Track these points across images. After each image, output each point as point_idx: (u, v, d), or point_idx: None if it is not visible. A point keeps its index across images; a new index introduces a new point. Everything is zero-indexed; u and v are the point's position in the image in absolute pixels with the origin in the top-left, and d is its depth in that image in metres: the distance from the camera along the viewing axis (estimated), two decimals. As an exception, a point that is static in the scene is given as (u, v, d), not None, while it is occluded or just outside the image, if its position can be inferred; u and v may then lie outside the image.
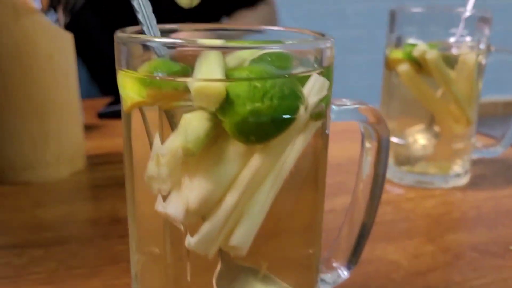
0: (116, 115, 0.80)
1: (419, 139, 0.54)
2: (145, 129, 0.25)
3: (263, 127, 0.22)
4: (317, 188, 0.27)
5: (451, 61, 0.51)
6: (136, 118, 0.25)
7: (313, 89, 0.23)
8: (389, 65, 0.54)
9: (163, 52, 0.25)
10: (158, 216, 0.24)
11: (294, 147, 0.24)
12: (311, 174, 0.26)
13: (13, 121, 0.53)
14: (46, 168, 0.55)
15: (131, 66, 0.24)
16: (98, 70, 1.08)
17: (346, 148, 0.58)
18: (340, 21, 2.07)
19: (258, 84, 0.22)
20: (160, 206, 0.24)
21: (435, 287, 0.36)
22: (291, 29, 0.28)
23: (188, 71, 0.24)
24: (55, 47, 0.54)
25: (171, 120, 0.23)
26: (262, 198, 0.24)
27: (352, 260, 0.32)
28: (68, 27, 0.57)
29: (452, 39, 0.51)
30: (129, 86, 0.23)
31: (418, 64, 0.52)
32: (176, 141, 0.22)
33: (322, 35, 0.25)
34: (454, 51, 0.52)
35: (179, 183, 0.23)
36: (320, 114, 0.24)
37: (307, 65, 0.25)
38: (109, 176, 0.57)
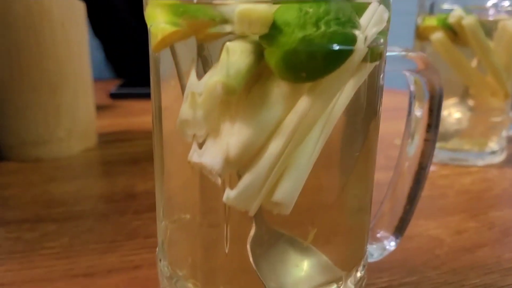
0: (128, 96, 0.77)
1: (453, 113, 0.51)
2: (176, 72, 0.22)
3: (315, 60, 0.19)
4: (369, 143, 0.24)
5: (489, 28, 0.48)
6: (165, 60, 0.22)
7: (372, 19, 0.20)
8: (421, 35, 0.51)
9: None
10: (190, 172, 0.21)
11: (346, 89, 0.21)
12: (363, 123, 0.23)
13: (25, 94, 0.50)
14: (58, 143, 0.52)
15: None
16: (114, 51, 1.05)
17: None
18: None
19: (310, 8, 0.19)
20: (194, 156, 0.21)
21: (485, 263, 0.33)
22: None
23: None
24: (68, 15, 0.51)
25: (208, 56, 0.20)
26: (310, 146, 0.20)
27: (400, 229, 0.29)
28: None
29: (490, 3, 0.48)
30: (160, 16, 0.20)
31: (454, 32, 0.48)
32: (215, 76, 0.19)
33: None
34: (492, 17, 0.48)
35: (217, 128, 0.20)
36: (377, 51, 0.21)
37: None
38: (121, 153, 0.54)
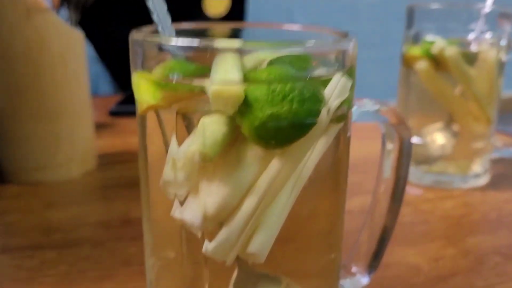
0: (128, 113, 0.79)
1: (438, 138, 0.53)
2: (160, 132, 0.24)
3: (282, 132, 0.21)
4: (338, 192, 0.26)
5: (470, 59, 0.50)
6: (151, 120, 0.25)
7: (335, 91, 0.22)
8: (406, 63, 0.53)
9: (179, 53, 0.24)
10: (174, 221, 0.24)
11: (314, 150, 0.23)
12: (331, 178, 0.25)
13: (25, 122, 0.53)
14: (58, 169, 0.55)
15: (146, 67, 0.23)
16: (114, 66, 1.07)
17: (361, 148, 0.57)
18: (352, 15, 2.06)
19: (277, 87, 0.21)
20: (176, 212, 0.23)
21: (457, 292, 0.35)
22: (310, 28, 0.27)
23: (205, 72, 0.23)
24: (67, 46, 0.53)
25: (187, 123, 0.23)
26: (281, 203, 0.23)
27: (373, 264, 0.31)
28: (82, 23, 0.56)
29: (471, 36, 0.50)
30: (144, 89, 0.23)
31: (437, 62, 0.50)
32: (192, 146, 0.21)
33: (344, 35, 0.24)
34: (473, 48, 0.50)
35: (196, 188, 0.22)
36: (342, 116, 0.23)
37: (328, 65, 0.24)
38: (120, 176, 0.56)
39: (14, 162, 0.54)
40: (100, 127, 0.71)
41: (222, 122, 0.21)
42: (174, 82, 0.22)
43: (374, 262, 0.31)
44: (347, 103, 0.23)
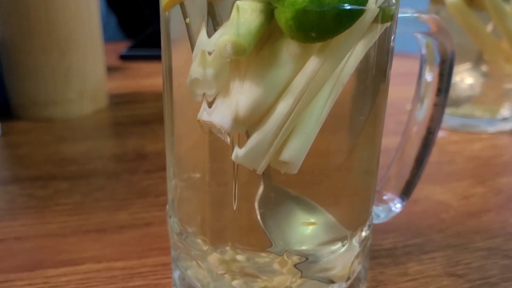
0: (138, 57, 0.77)
1: (466, 79, 0.50)
2: (186, 31, 0.21)
3: (325, 20, 0.19)
4: (378, 108, 0.24)
5: (506, -8, 0.47)
6: (176, 19, 0.22)
7: (384, -21, 0.20)
8: (436, -3, 0.50)
9: None
10: (200, 132, 0.22)
11: (355, 51, 0.21)
12: (372, 89, 0.23)
13: (35, 53, 0.50)
14: (69, 104, 0.53)
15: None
16: (124, 14, 1.04)
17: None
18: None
19: (322, -34, 0.18)
20: (204, 114, 0.21)
21: (489, 228, 0.33)
22: None
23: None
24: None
25: (216, 13, 0.20)
26: (319, 107, 0.21)
27: (406, 192, 0.29)
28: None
29: (509, -33, 0.46)
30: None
31: (469, -5, 0.47)
32: (225, 35, 0.19)
33: None
34: (510, -20, 0.47)
35: (227, 87, 0.20)
36: (389, 11, 0.21)
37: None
38: (132, 115, 0.55)
39: (24, 96, 0.52)
40: (111, 70, 0.69)
41: (258, 9, 0.19)
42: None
43: (407, 189, 0.29)
44: (395, -5, 0.21)
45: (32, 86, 0.52)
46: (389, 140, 0.43)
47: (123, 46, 0.82)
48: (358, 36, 0.20)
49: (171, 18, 0.23)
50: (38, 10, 0.49)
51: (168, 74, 0.24)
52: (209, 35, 0.20)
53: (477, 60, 0.50)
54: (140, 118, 0.53)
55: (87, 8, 0.53)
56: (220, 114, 0.20)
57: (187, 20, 0.22)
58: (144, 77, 0.70)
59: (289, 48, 0.20)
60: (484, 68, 0.50)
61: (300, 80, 0.20)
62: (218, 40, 0.19)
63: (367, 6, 0.19)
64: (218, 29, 0.20)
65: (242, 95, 0.20)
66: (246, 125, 0.21)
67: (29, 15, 0.49)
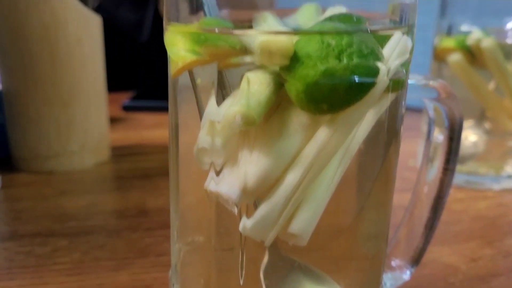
0: (141, 108, 0.77)
1: (469, 136, 0.50)
2: (195, 97, 0.21)
3: (337, 93, 0.19)
4: (387, 173, 0.24)
5: (508, 51, 0.47)
6: (184, 84, 0.22)
7: (395, 50, 0.20)
8: (439, 55, 0.51)
9: (213, 13, 0.22)
10: (206, 198, 0.21)
11: (366, 120, 0.21)
12: (382, 154, 0.23)
13: (38, 106, 0.51)
14: (70, 157, 0.52)
15: (181, 21, 0.21)
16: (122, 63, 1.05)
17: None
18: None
19: (332, 40, 0.18)
20: (211, 184, 0.20)
21: (501, 294, 0.32)
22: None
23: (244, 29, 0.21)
24: (84, 30, 0.51)
25: (225, 82, 0.20)
26: (328, 178, 0.20)
27: (416, 259, 0.28)
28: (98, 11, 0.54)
29: (509, 26, 0.47)
30: (180, 44, 0.20)
31: (472, 54, 0.48)
32: (234, 106, 0.19)
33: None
34: (511, 40, 0.48)
35: (235, 157, 0.20)
36: (399, 82, 0.21)
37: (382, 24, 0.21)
38: (134, 168, 0.54)
39: (26, 148, 0.52)
40: (113, 121, 0.69)
41: (268, 80, 0.19)
42: (216, 31, 0.19)
43: (417, 257, 0.28)
44: (405, 66, 0.21)
45: (34, 138, 0.51)
46: (394, 197, 0.42)
47: (126, 97, 0.83)
48: (369, 106, 0.20)
49: (179, 80, 0.23)
50: (43, 61, 0.50)
51: (175, 136, 0.24)
52: (218, 102, 0.20)
53: (480, 117, 0.50)
54: (142, 172, 0.53)
55: (92, 60, 0.53)
56: (227, 184, 0.20)
57: (198, 80, 0.22)
58: (147, 128, 0.70)
59: (299, 118, 0.20)
60: (487, 125, 0.50)
61: (310, 151, 0.20)
62: (227, 111, 0.19)
63: (378, 79, 0.19)
64: (227, 97, 0.20)
65: (251, 165, 0.20)
66: (255, 196, 0.20)
67: (34, 66, 0.50)
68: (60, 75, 0.51)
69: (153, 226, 0.41)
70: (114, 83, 1.00)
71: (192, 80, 0.21)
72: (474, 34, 0.47)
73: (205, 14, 0.22)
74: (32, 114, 0.51)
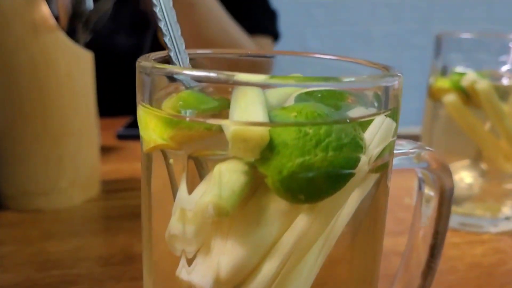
0: (136, 137, 0.76)
1: (465, 177, 0.49)
2: (168, 175, 0.20)
3: (314, 184, 0.18)
4: (373, 251, 0.23)
5: (503, 93, 0.46)
6: (157, 159, 0.21)
7: (376, 136, 0.19)
8: (433, 95, 0.50)
9: (193, 85, 0.21)
10: (179, 284, 0.20)
11: (348, 204, 0.20)
12: (366, 234, 0.22)
13: (27, 142, 0.50)
14: (59, 194, 0.51)
15: (154, 101, 0.20)
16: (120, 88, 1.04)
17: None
18: (366, 43, 2.03)
19: (310, 130, 0.17)
20: (183, 273, 0.19)
21: None
22: (344, 59, 0.24)
23: (222, 106, 0.20)
24: (74, 66, 0.51)
25: (199, 167, 0.19)
26: (308, 267, 0.19)
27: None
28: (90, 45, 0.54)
29: (504, 68, 0.46)
30: (151, 125, 0.19)
31: (466, 95, 0.47)
32: (206, 196, 0.18)
33: (386, 68, 0.21)
34: (506, 81, 0.47)
35: (208, 246, 0.19)
36: (383, 166, 0.20)
37: (365, 104, 0.20)
38: (124, 205, 0.53)
39: (13, 186, 0.51)
40: (106, 150, 0.68)
41: (242, 170, 0.18)
42: (187, 120, 0.18)
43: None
44: (388, 149, 0.20)
45: (22, 176, 0.50)
46: (388, 241, 0.41)
47: (120, 123, 0.82)
48: (349, 193, 0.19)
49: (153, 155, 0.22)
50: (32, 98, 0.49)
51: (147, 215, 0.23)
52: (190, 187, 0.19)
53: (476, 158, 0.49)
54: (131, 211, 0.51)
55: (84, 96, 0.52)
56: (200, 274, 0.19)
57: (171, 160, 0.21)
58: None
59: (276, 205, 0.19)
60: (483, 165, 0.49)
61: (288, 239, 0.19)
62: (199, 200, 0.18)
63: (358, 169, 0.18)
64: (200, 182, 0.19)
65: (225, 255, 0.19)
66: (229, 287, 0.19)
67: (23, 103, 0.49)
68: (50, 112, 0.50)
69: (137, 275, 0.39)
70: (109, 108, 1.00)
71: (165, 158, 0.20)
72: (469, 76, 0.46)
73: (184, 86, 0.21)
74: (19, 151, 0.50)
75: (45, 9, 0.48)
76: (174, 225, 0.19)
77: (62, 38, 0.49)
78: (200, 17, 0.79)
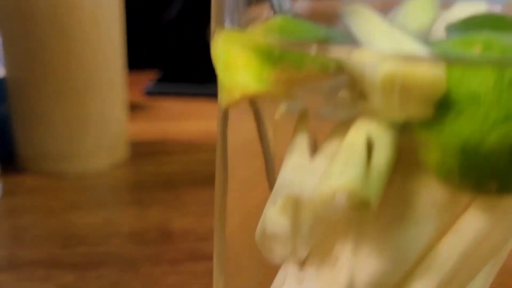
0: (166, 94, 0.70)
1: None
2: (259, 141, 0.14)
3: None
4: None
5: None
6: (238, 119, 0.15)
7: None
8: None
9: (285, 7, 0.14)
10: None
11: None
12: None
13: (49, 102, 0.44)
14: (83, 158, 0.46)
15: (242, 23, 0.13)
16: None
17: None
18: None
19: (514, 72, 0.10)
20: (291, 284, 0.13)
21: None
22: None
23: (337, 39, 0.13)
24: (101, 12, 0.44)
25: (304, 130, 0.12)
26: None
27: None
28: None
29: None
30: (238, 62, 0.12)
31: None
32: (335, 178, 0.11)
33: None
34: None
35: (326, 250, 0.12)
36: None
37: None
38: (156, 172, 0.47)
39: (32, 147, 0.45)
40: (133, 108, 0.62)
41: (394, 139, 0.11)
42: (313, 49, 0.11)
43: None
44: None
45: (44, 136, 0.45)
46: None
47: (149, 77, 0.75)
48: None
49: (232, 112, 0.15)
50: (54, 48, 0.43)
51: (222, 193, 0.16)
52: (301, 164, 0.13)
53: None
54: (166, 178, 0.45)
55: (112, 48, 0.46)
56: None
57: (276, 115, 0.14)
58: (172, 119, 0.63)
59: (432, 195, 0.12)
60: None
61: (451, 249, 0.12)
62: (322, 185, 0.11)
63: None
64: (314, 156, 0.13)
65: (358, 266, 0.12)
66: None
67: (42, 54, 0.43)
68: (74, 64, 0.43)
69: (179, 257, 0.33)
70: (137, 61, 0.92)
71: (257, 118, 0.13)
72: None
73: (272, 9, 0.15)
74: (40, 108, 0.44)
75: None
76: (274, 221, 0.12)
77: (88, -25, 0.42)
78: None
